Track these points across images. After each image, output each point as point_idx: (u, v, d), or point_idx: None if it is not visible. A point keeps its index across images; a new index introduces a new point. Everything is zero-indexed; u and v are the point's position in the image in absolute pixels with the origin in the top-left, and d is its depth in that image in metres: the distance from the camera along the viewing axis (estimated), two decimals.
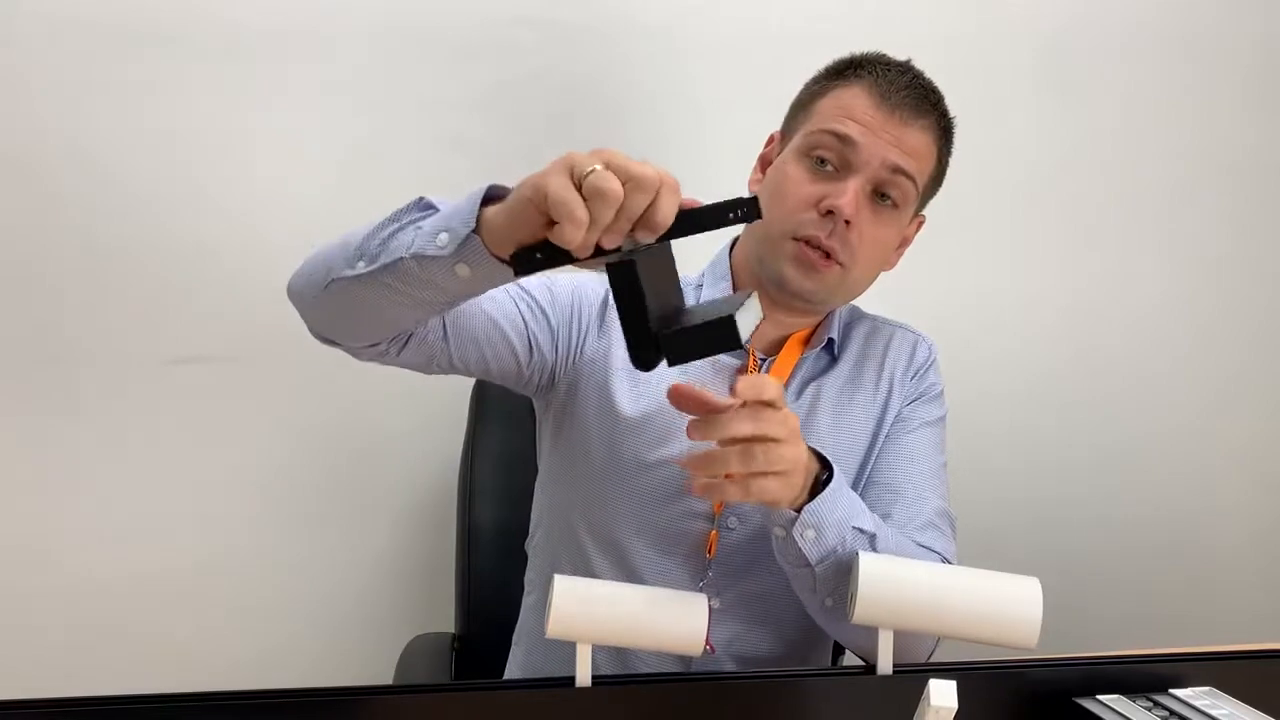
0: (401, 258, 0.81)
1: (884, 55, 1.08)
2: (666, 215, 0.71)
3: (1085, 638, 0.99)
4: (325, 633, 1.50)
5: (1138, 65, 1.59)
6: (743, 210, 0.73)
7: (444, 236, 0.79)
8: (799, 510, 0.90)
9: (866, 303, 1.15)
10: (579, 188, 0.70)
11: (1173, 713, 0.80)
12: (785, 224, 1.03)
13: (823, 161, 1.04)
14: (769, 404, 0.85)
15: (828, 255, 1.03)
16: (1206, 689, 0.84)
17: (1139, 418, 1.67)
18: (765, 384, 0.86)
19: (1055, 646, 0.85)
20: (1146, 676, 0.85)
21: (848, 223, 1.01)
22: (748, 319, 0.74)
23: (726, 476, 0.85)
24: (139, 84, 1.38)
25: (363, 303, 0.88)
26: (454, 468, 1.35)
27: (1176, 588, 1.69)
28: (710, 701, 0.83)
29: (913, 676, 0.80)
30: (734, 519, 1.05)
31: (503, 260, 0.77)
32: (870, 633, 0.83)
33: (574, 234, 0.70)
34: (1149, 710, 0.80)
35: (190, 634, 1.46)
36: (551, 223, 0.71)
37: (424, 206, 0.85)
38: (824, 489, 0.91)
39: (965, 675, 0.75)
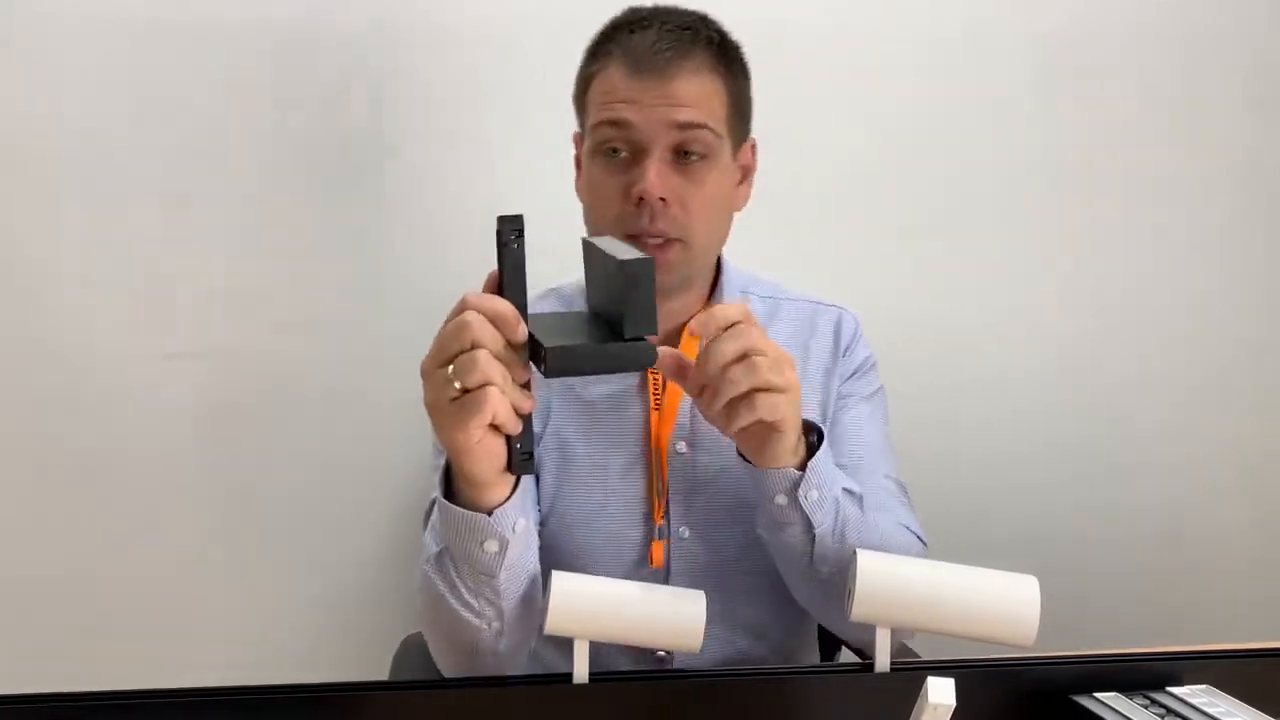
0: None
1: (631, 13, 1.05)
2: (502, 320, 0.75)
3: (1082, 637, 0.99)
4: (320, 629, 1.50)
5: (1138, 65, 1.59)
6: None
7: (493, 544, 0.84)
8: (801, 469, 0.89)
9: (825, 288, 1.15)
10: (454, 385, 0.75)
11: (1170, 711, 0.80)
12: (611, 226, 1.01)
13: (615, 151, 1.01)
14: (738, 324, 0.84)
15: (663, 241, 1.00)
16: (1204, 687, 0.84)
17: (1139, 418, 1.66)
18: (721, 312, 0.84)
19: (1052, 645, 0.85)
20: (1144, 674, 0.84)
21: (664, 200, 0.99)
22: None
23: (728, 405, 0.84)
24: (138, 83, 1.38)
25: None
26: None
27: (1174, 588, 1.69)
28: (708, 698, 0.83)
29: (910, 674, 0.80)
30: (685, 529, 1.04)
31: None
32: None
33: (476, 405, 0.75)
34: (1146, 708, 0.80)
35: (185, 630, 1.46)
36: (493, 427, 0.76)
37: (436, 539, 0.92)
38: (819, 447, 0.91)
39: (963, 673, 0.74)
